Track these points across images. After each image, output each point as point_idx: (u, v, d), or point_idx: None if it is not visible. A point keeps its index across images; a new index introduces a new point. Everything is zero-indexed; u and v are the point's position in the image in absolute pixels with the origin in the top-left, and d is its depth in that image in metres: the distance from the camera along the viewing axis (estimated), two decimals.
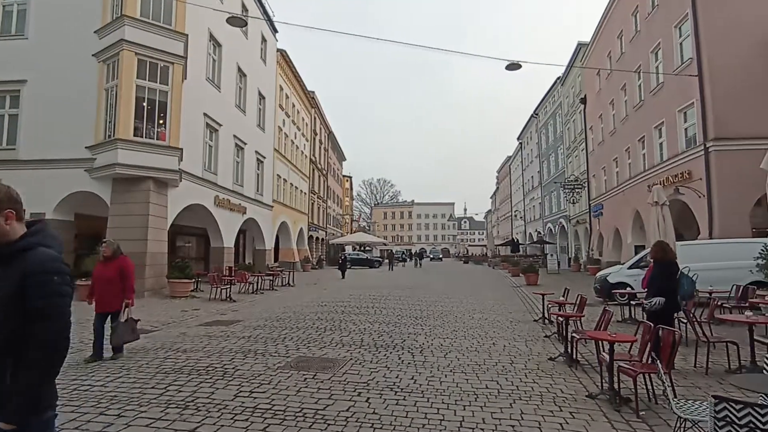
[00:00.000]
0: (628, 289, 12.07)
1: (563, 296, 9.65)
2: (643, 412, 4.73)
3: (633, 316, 10.23)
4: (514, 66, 11.93)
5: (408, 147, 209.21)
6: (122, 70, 14.87)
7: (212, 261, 21.19)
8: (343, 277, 25.31)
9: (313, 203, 41.59)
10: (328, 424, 4.45)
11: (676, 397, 4.14)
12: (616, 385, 5.08)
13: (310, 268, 34.31)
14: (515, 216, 61.47)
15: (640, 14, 22.31)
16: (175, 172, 15.85)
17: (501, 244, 55.16)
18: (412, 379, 5.90)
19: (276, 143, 29.56)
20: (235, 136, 22.38)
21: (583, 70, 32.29)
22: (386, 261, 44.26)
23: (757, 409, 2.72)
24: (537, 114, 49.79)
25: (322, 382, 5.76)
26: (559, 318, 7.87)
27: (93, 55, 15.36)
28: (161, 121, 15.79)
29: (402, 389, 5.48)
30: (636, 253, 18.13)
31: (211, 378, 5.92)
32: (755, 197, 15.25)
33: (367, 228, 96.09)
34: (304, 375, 6.06)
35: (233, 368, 6.39)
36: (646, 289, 6.76)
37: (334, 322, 10.20)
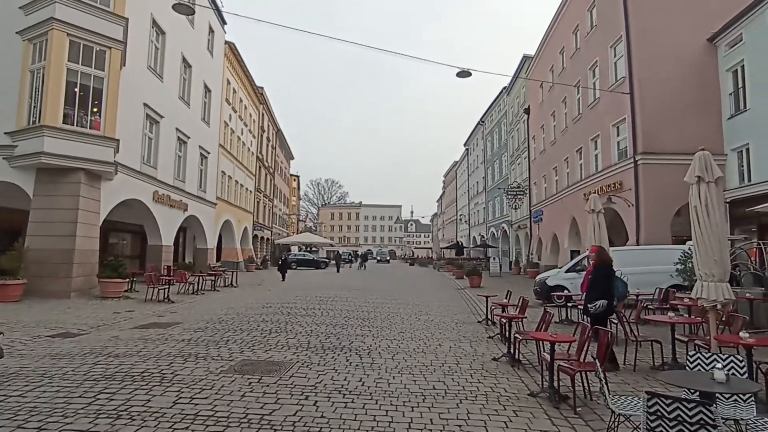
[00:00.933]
0: (566, 291, 12.78)
1: (506, 298, 9.96)
2: (580, 409, 4.98)
3: (569, 317, 10.79)
4: (464, 73, 12.25)
5: (357, 149, 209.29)
6: (51, 51, 13.72)
7: (149, 260, 20.04)
8: (284, 280, 24.50)
9: (258, 202, 40.35)
10: (275, 430, 4.32)
11: (610, 393, 4.39)
12: (555, 384, 5.32)
13: (254, 269, 33.29)
14: (460, 220, 62.65)
15: (580, 33, 23.70)
16: (109, 164, 14.83)
17: (446, 247, 56.43)
18: (360, 381, 5.87)
19: (221, 138, 28.44)
20: (177, 129, 21.33)
21: (527, 81, 33.80)
22: (333, 262, 43.92)
23: (684, 403, 2.93)
24: (483, 121, 51.41)
25: (267, 386, 5.59)
26: (503, 319, 8.06)
27: (17, 32, 14.06)
28: (95, 109, 14.73)
29: (350, 392, 5.43)
30: (572, 258, 19.25)
31: (147, 384, 5.57)
32: (676, 207, 16.64)
33: (314, 228, 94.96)
34: (248, 379, 5.85)
35: (172, 373, 6.05)
36: (584, 292, 7.12)
37: (280, 324, 9.95)
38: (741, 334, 5.13)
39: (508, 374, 6.33)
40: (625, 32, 18.61)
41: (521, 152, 36.26)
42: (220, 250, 30.62)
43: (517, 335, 7.12)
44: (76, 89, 14.25)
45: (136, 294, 15.11)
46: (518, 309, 8.43)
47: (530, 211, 32.85)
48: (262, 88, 40.01)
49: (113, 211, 16.43)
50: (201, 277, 17.67)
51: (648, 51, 17.91)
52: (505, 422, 4.62)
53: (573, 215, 23.57)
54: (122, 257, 19.04)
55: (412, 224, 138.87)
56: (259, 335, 8.64)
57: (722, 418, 3.45)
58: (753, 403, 3.97)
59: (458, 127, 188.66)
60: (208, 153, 25.77)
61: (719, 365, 3.89)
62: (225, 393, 5.30)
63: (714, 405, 2.91)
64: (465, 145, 62.13)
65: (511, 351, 7.02)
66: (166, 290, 14.31)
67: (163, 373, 6.04)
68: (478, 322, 10.66)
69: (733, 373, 4.09)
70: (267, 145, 44.13)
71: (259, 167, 40.45)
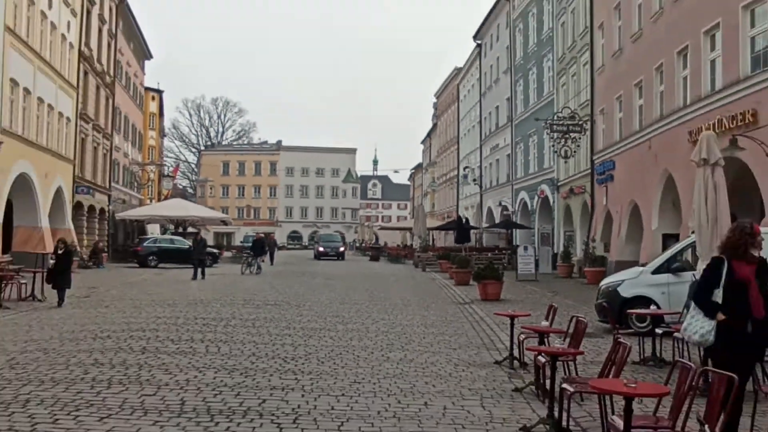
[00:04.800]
0: (653, 307, 8.25)
1: (546, 319, 6.35)
2: None
3: (660, 354, 6.68)
4: None
5: (280, 67, 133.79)
6: None
7: None
8: (60, 305, 10.72)
9: (84, 140, 24.04)
10: None
11: None
12: None
13: (77, 266, 17.42)
14: (465, 178, 38.11)
15: None
16: None
17: (439, 228, 36.74)
18: None
19: (8, 14, 16.36)
20: None
21: None
22: (197, 258, 19.06)
23: None
24: None
25: None
26: (540, 357, 4.99)
27: None
28: None
29: None
30: (665, 247, 12.99)
31: None
32: None
33: (191, 192, 64.50)
34: None
35: None
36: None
37: (132, 367, 5.85)
38: None
39: None
40: None
41: (578, 54, 21.52)
42: (10, 231, 17.81)
43: (566, 386, 4.32)
44: None
45: None
46: (568, 338, 5.33)
47: (592, 162, 20.05)
48: None
49: None
50: None
51: None
52: None
53: (668, 170, 14.30)
54: None
55: (375, 185, 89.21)
56: (87, 392, 4.88)
57: None
58: None
59: (452, 36, 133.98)
60: None
61: None
62: None
63: None
64: (476, 38, 37.52)
65: (555, 414, 4.16)
66: None
67: None
68: (497, 362, 6.65)
69: None
70: (100, 32, 25.71)
71: (85, 73, 23.55)
